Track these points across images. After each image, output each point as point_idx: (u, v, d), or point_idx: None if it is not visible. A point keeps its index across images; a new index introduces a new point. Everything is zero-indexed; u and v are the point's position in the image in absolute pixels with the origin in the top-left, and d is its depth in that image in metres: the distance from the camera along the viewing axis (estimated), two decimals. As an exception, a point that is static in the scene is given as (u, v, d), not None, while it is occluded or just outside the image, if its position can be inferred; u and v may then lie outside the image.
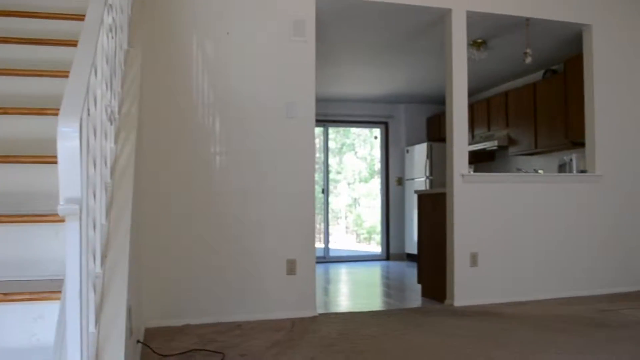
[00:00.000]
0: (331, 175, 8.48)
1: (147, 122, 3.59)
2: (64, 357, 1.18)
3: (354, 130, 8.82)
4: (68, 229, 1.06)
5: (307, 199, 3.91)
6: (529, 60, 4.67)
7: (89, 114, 1.53)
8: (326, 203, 8.14)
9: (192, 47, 3.79)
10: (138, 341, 2.83)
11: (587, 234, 4.62)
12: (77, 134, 1.04)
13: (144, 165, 3.55)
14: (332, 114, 8.03)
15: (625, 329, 3.31)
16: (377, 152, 8.58)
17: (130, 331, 2.06)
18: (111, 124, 2.07)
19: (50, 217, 1.76)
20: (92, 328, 1.37)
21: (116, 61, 2.38)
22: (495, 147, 6.73)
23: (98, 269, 1.54)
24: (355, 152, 9.02)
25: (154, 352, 2.83)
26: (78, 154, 1.04)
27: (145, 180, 3.56)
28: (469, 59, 4.75)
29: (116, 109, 2.30)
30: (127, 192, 1.91)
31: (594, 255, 4.63)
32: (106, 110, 1.91)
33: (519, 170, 6.37)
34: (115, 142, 2.19)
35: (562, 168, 5.43)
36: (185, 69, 3.76)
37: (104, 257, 1.62)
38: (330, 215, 8.37)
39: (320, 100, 7.26)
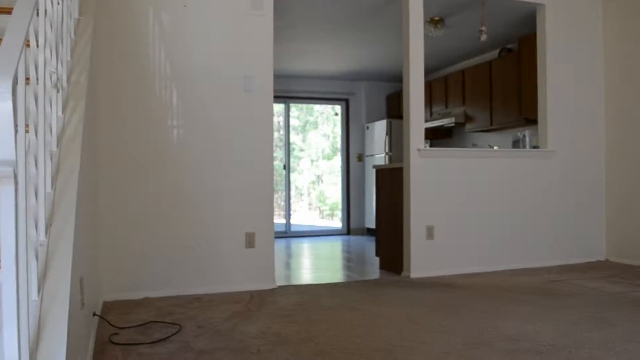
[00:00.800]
0: (295, 153, 8.48)
1: (102, 94, 3.50)
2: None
3: (317, 107, 8.80)
4: (2, 193, 1.04)
5: (266, 173, 3.91)
6: (484, 38, 4.74)
7: (29, 79, 1.49)
8: (287, 179, 8.15)
9: (149, 18, 3.69)
10: (94, 314, 2.81)
11: (539, 208, 4.79)
12: (9, 95, 1.02)
13: (100, 137, 3.48)
14: (293, 91, 8.01)
15: (571, 298, 3.48)
16: (339, 130, 8.61)
17: (82, 302, 2.04)
18: (58, 91, 2.02)
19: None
20: (34, 296, 1.36)
21: (64, 29, 2.31)
22: (452, 124, 6.85)
23: (42, 237, 1.52)
24: (319, 130, 9.02)
25: (111, 324, 2.82)
26: (10, 115, 1.02)
27: (101, 153, 3.49)
28: (426, 36, 4.79)
29: (64, 77, 2.24)
30: (74, 161, 1.87)
31: (546, 227, 4.81)
32: (51, 77, 1.85)
33: (474, 146, 6.52)
34: (64, 111, 2.13)
35: (516, 144, 5.58)
36: (141, 40, 3.67)
37: (48, 225, 1.60)
38: (294, 192, 8.39)
39: (282, 77, 7.24)
